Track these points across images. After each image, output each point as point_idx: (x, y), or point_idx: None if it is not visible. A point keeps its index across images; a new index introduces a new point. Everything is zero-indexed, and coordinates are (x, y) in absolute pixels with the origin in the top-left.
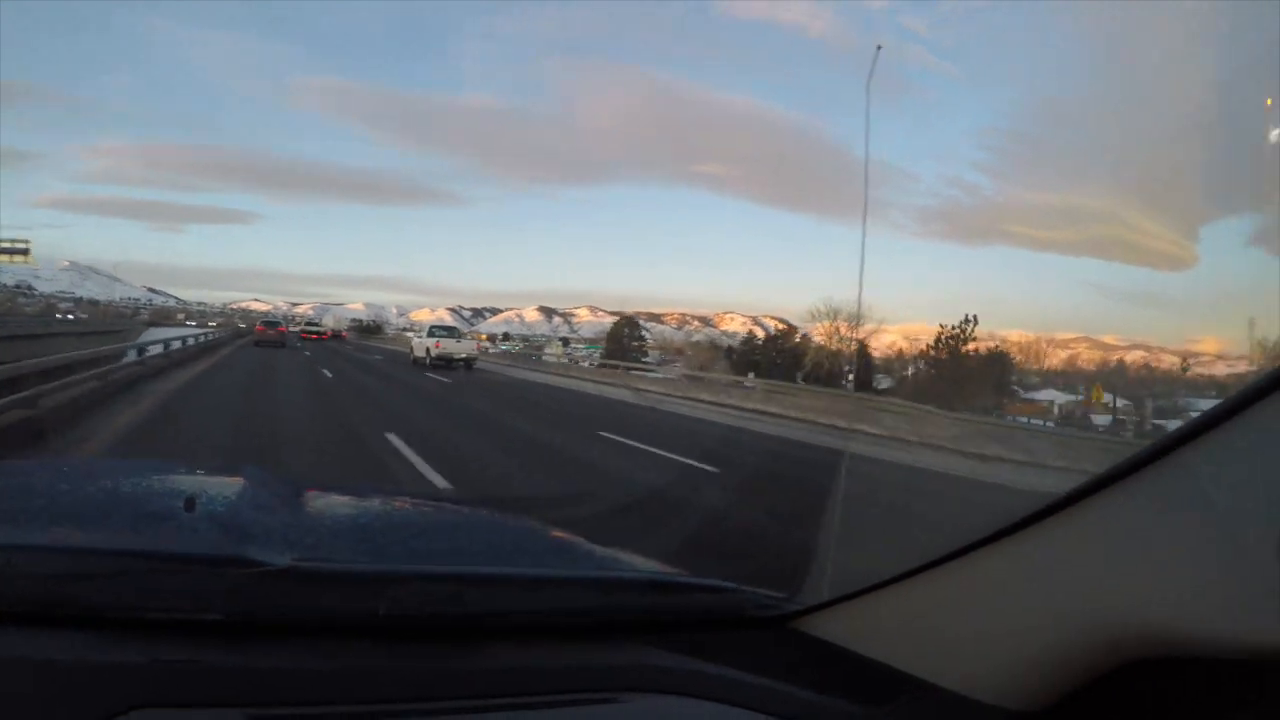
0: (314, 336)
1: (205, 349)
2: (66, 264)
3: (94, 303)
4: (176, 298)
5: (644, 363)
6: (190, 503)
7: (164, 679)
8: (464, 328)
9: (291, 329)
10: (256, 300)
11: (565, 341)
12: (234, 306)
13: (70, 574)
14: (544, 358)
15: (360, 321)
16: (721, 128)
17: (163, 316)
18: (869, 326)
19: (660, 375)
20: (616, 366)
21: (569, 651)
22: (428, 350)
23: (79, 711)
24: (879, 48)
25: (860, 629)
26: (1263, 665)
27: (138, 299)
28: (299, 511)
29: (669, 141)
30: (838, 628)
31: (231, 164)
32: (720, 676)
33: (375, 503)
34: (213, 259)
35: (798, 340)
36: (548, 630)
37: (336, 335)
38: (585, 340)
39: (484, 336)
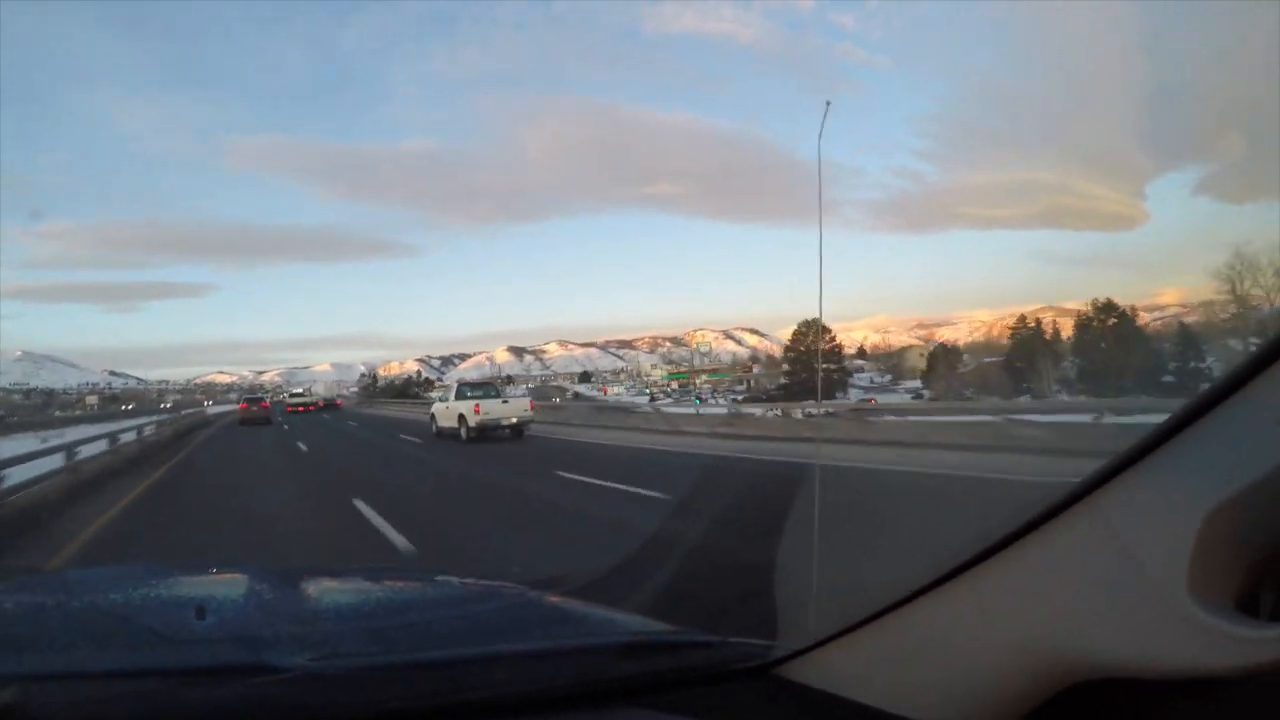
0: (302, 409)
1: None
2: (19, 354)
3: (49, 392)
4: (138, 378)
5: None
6: (201, 610)
7: None
8: (434, 377)
9: (276, 400)
10: (221, 373)
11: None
12: (198, 381)
13: (95, 699)
14: (628, 408)
15: (371, 379)
16: (666, 146)
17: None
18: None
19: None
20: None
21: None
22: (461, 418)
23: None
24: (828, 103)
25: (839, 671)
26: (1182, 684)
27: (96, 383)
28: (303, 605)
29: (615, 166)
30: (818, 672)
31: (181, 236)
32: None
33: (371, 585)
34: (172, 335)
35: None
36: (542, 702)
37: (331, 404)
38: (614, 373)
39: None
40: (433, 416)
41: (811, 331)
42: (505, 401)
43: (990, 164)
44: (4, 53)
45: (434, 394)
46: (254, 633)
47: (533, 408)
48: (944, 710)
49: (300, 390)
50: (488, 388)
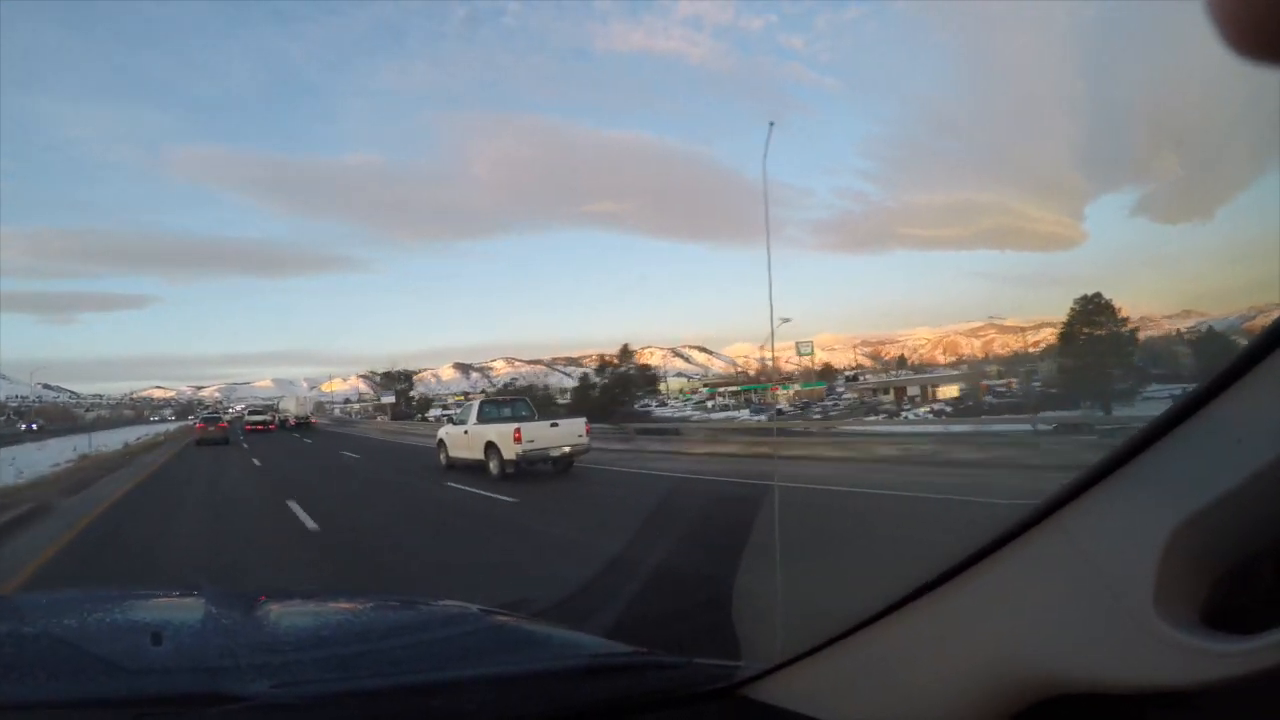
0: (260, 428)
1: None
2: None
3: None
4: (71, 391)
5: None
6: (157, 636)
7: None
8: (378, 395)
9: (235, 418)
10: (159, 388)
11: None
12: (136, 396)
13: None
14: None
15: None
16: (611, 164)
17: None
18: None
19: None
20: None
21: None
22: (490, 447)
23: None
24: (771, 124)
25: (806, 690)
26: (1153, 695)
27: (25, 396)
28: (261, 629)
29: (561, 184)
30: (785, 692)
31: (120, 246)
32: None
33: (331, 609)
34: (108, 348)
35: None
36: None
37: (304, 423)
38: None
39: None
40: (440, 444)
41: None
42: (554, 425)
43: (932, 185)
44: None
45: (434, 412)
46: (212, 660)
47: (588, 432)
48: None
49: (261, 410)
50: (517, 404)
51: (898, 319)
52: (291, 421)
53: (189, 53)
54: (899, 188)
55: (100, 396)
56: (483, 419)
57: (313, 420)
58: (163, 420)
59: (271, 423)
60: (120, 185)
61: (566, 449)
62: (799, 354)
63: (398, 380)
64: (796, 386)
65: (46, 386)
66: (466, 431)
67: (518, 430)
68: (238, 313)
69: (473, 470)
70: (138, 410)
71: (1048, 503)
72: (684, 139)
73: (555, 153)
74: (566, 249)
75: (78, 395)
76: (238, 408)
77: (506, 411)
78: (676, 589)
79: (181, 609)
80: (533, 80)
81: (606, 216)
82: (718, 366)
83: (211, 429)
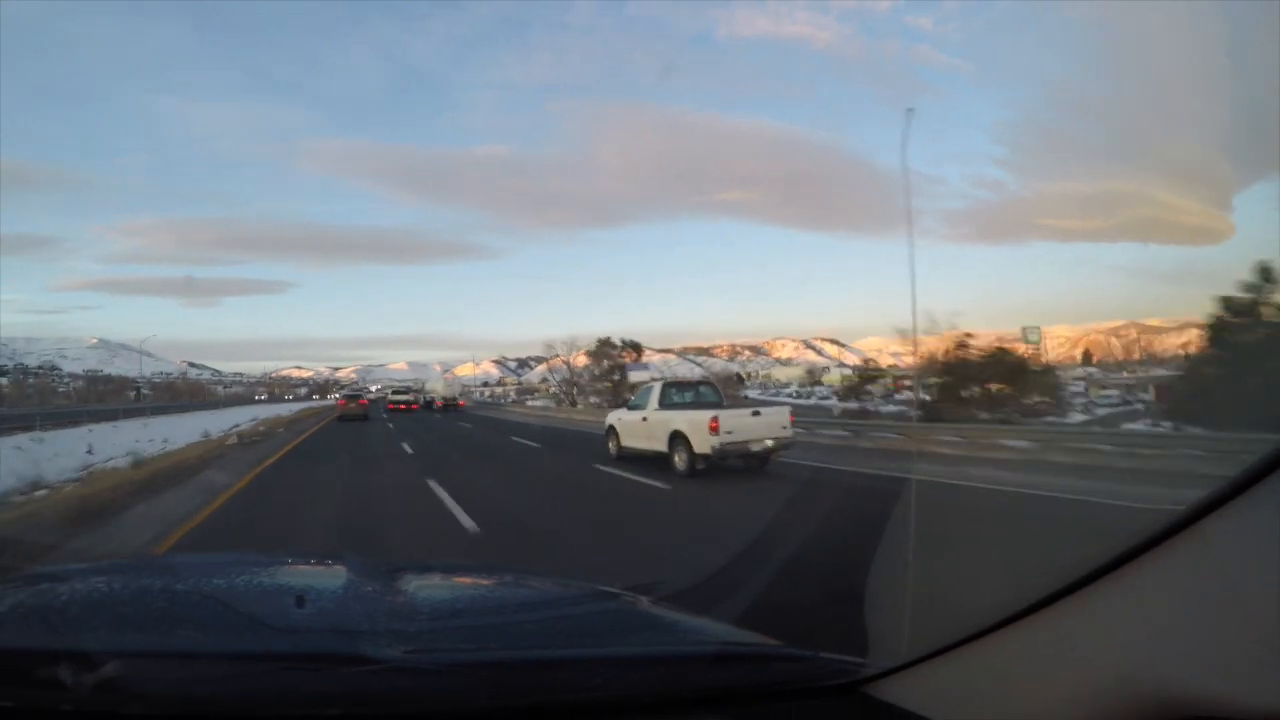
0: (403, 407)
1: None
2: (94, 341)
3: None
4: (214, 369)
5: None
6: (301, 599)
7: None
8: (509, 378)
9: (378, 397)
10: (297, 368)
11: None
12: (275, 375)
13: (198, 679)
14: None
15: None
16: (738, 152)
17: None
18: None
19: None
20: None
21: None
22: (677, 437)
23: None
24: (909, 110)
25: (932, 692)
26: None
27: (169, 373)
28: (399, 598)
29: (688, 172)
30: (908, 691)
31: (260, 235)
32: None
33: (466, 581)
34: (249, 330)
35: None
36: (629, 707)
37: (451, 404)
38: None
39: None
40: (611, 430)
41: None
42: (756, 413)
43: (1070, 174)
44: (91, 59)
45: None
46: (351, 624)
47: (792, 422)
48: None
49: (404, 390)
50: (703, 389)
51: (1035, 315)
52: (439, 403)
53: (320, 52)
54: (1035, 176)
55: (240, 375)
56: (665, 404)
57: (460, 402)
58: (296, 399)
59: (415, 403)
60: (259, 178)
61: (769, 443)
62: (1025, 340)
63: (527, 366)
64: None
65: (191, 364)
66: (645, 419)
67: (714, 419)
68: (371, 297)
69: (649, 462)
70: (270, 388)
71: (1186, 513)
72: (811, 126)
73: (682, 141)
74: (695, 238)
75: (219, 373)
76: (374, 388)
77: (691, 396)
78: (806, 580)
79: (325, 575)
80: (656, 69)
81: (735, 205)
82: (850, 360)
83: (353, 405)
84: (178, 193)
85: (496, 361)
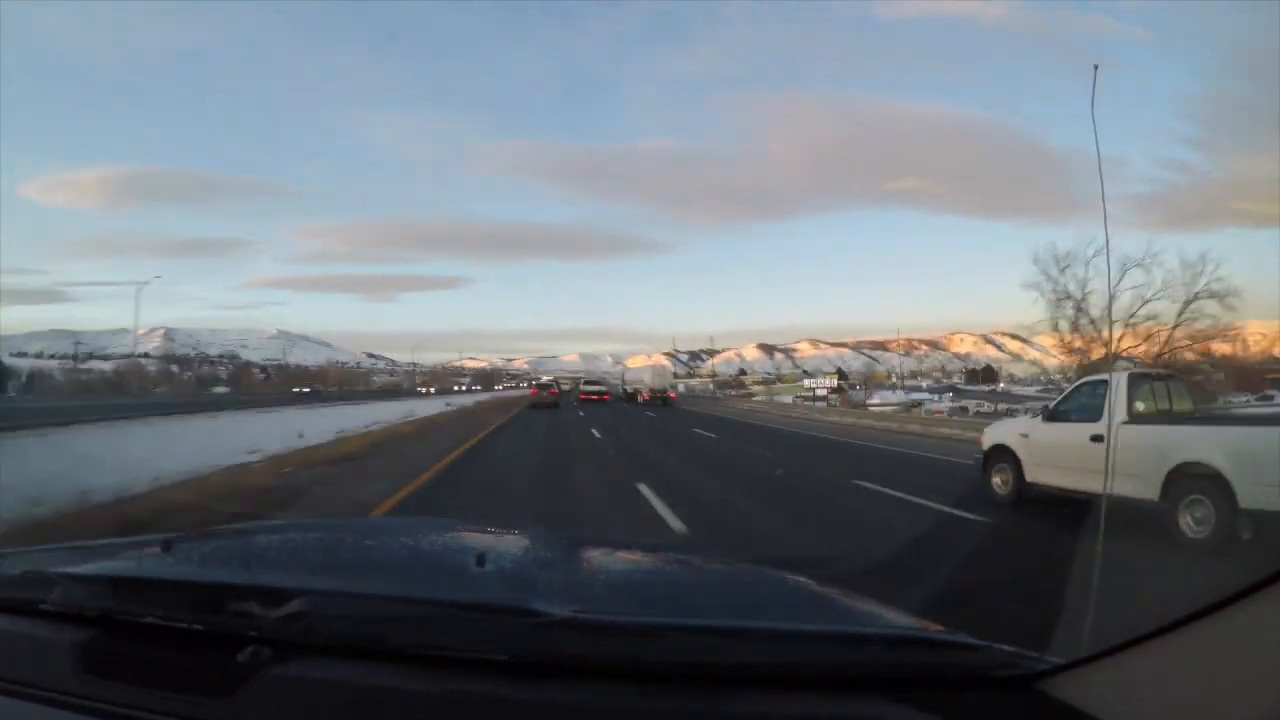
0: (594, 398)
1: None
2: (274, 332)
3: (302, 368)
4: (390, 359)
5: None
6: (481, 559)
7: (457, 706)
8: (681, 370)
9: (570, 388)
10: (471, 359)
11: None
12: (452, 365)
13: (375, 617)
14: None
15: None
16: (908, 138)
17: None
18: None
19: None
20: None
21: (812, 702)
22: (1191, 480)
23: None
24: (1096, 67)
25: (1104, 692)
26: None
27: (344, 362)
28: (577, 566)
29: (856, 160)
30: (1083, 691)
31: (434, 234)
32: None
33: (645, 558)
34: (425, 323)
35: None
36: (793, 681)
37: (661, 397)
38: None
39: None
40: (998, 455)
41: None
42: None
43: (1271, 150)
44: (282, 80)
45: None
46: (526, 582)
47: None
48: None
49: (596, 381)
50: (1175, 385)
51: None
52: (644, 395)
53: (489, 60)
54: (1229, 155)
55: (414, 365)
56: (1141, 413)
57: (671, 395)
58: (463, 390)
59: (606, 394)
60: (435, 181)
61: None
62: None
63: (699, 359)
64: None
65: (370, 355)
66: (1098, 438)
67: None
68: (542, 292)
69: (1075, 508)
70: (443, 378)
71: None
72: (981, 108)
73: (849, 129)
74: (867, 229)
75: (395, 363)
76: (545, 379)
77: (1163, 401)
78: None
79: (507, 541)
80: (818, 55)
81: (908, 194)
82: (1031, 355)
83: (544, 394)
84: (358, 198)
85: (669, 354)
